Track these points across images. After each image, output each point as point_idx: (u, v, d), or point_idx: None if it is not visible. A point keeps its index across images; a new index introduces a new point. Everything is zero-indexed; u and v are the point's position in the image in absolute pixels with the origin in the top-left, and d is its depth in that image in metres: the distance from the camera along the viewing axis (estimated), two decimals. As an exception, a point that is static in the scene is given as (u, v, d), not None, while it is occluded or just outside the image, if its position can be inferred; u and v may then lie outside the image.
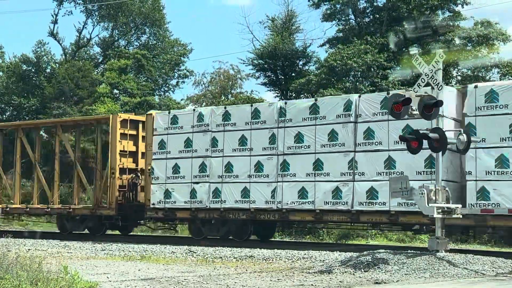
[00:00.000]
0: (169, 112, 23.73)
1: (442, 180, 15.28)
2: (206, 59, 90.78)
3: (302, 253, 17.62)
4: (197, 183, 22.11)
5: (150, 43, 50.84)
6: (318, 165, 19.78)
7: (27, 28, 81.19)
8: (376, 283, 12.43)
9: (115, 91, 44.02)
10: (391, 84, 32.73)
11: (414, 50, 29.13)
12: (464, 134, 15.20)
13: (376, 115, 19.09)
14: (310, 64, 40.09)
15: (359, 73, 34.02)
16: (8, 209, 27.32)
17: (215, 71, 45.38)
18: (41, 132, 34.99)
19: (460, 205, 15.78)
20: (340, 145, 19.51)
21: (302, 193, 19.95)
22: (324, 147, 19.81)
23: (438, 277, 13.04)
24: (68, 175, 30.63)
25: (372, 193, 18.85)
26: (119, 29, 51.13)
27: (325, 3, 38.17)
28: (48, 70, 49.29)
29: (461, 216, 15.84)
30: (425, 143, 14.87)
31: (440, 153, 15.19)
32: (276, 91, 40.58)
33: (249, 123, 21.31)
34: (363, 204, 18.93)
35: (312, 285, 12.15)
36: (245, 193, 20.99)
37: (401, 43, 34.44)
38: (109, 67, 45.14)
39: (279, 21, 43.01)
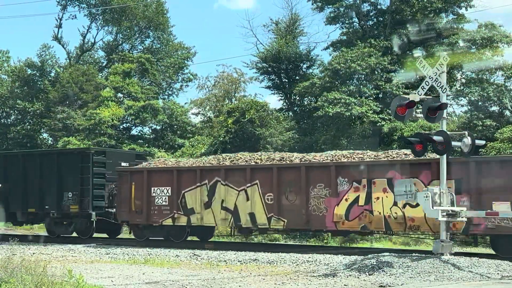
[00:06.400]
0: None
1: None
2: (209, 63, 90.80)
3: (307, 257, 17.60)
4: None
5: (154, 46, 50.88)
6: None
7: (32, 32, 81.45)
8: (381, 286, 12.42)
9: (119, 95, 44.01)
10: (395, 87, 32.68)
11: (418, 53, 29.10)
12: (468, 137, 15.16)
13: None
14: (314, 67, 40.10)
15: (363, 76, 33.98)
16: None
17: (218, 74, 45.43)
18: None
19: (465, 208, 15.74)
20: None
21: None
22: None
23: (443, 280, 13.00)
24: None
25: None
26: (123, 33, 51.17)
27: (328, 7, 38.14)
28: (52, 74, 49.31)
29: (465, 219, 15.81)
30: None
31: (445, 156, 15.16)
32: (280, 95, 40.59)
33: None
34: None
35: (316, 288, 12.13)
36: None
37: (405, 46, 34.40)
38: (113, 71, 45.16)
39: (282, 25, 43.03)
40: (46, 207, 24.08)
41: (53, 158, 24.32)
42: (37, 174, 24.32)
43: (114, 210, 23.43)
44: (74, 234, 24.50)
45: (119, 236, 25.56)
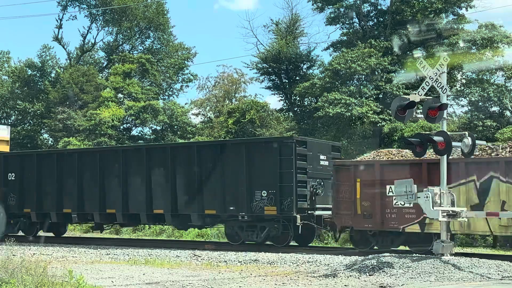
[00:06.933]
0: None
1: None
2: (210, 63, 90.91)
3: (307, 257, 17.60)
4: None
5: (154, 47, 50.85)
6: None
7: (32, 33, 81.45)
8: (382, 286, 12.42)
9: (120, 95, 44.01)
10: (396, 87, 32.69)
11: (418, 53, 29.12)
12: (469, 137, 15.16)
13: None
14: (314, 68, 40.16)
15: (363, 76, 34.00)
16: None
17: (219, 75, 45.45)
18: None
19: (465, 208, 15.74)
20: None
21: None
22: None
23: (444, 280, 13.01)
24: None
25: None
26: (123, 33, 51.14)
27: (329, 7, 38.17)
28: (52, 75, 49.35)
29: (466, 220, 15.80)
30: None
31: (445, 156, 15.17)
32: (280, 95, 40.61)
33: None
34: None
35: (317, 289, 12.13)
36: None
37: (405, 47, 34.41)
38: (113, 71, 45.15)
39: (283, 25, 43.05)
40: (231, 208, 20.50)
41: (241, 149, 20.38)
42: (219, 168, 20.67)
43: (316, 212, 20.09)
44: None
45: (318, 244, 22.43)
